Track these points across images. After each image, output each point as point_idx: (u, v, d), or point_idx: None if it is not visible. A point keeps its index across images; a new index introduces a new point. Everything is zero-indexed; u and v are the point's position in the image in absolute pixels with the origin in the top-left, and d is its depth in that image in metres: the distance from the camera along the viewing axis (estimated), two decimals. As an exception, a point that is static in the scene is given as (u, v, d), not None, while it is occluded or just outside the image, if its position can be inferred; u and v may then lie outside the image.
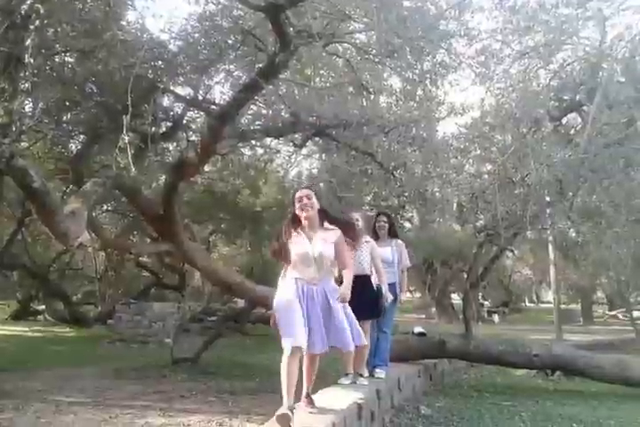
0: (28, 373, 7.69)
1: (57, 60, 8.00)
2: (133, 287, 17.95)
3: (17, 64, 6.21)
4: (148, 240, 14.18)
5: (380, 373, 5.71)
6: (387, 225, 6.10)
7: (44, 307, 17.74)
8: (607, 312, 27.83)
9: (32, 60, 6.16)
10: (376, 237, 5.97)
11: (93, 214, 9.34)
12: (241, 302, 14.65)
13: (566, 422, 5.58)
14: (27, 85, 7.71)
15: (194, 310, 16.13)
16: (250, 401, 6.19)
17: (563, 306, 20.35)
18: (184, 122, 9.43)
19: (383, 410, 5.27)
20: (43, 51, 7.08)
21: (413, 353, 7.39)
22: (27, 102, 8.43)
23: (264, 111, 8.81)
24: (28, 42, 5.97)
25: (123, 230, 15.26)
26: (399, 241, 6.17)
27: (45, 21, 7.01)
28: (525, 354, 7.24)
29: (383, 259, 5.77)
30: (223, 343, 9.98)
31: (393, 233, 6.17)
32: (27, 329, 14.37)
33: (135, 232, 15.26)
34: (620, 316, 24.47)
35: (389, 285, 5.71)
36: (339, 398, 4.47)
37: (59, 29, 7.21)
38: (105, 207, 13.94)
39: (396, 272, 5.93)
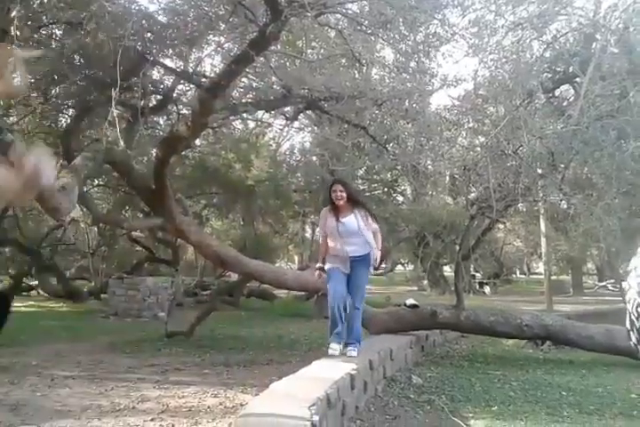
0: (23, 348, 7.74)
1: (44, 32, 7.86)
2: (126, 262, 17.97)
3: (3, 36, 6.10)
4: (141, 215, 14.16)
5: (352, 351, 5.30)
6: (344, 194, 5.47)
7: (37, 282, 17.76)
8: (597, 283, 28.15)
9: (18, 33, 6.05)
10: (335, 206, 5.53)
11: (84, 189, 9.30)
12: (234, 276, 14.73)
13: (555, 390, 5.69)
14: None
15: (187, 285, 16.20)
16: (244, 373, 6.28)
17: (553, 277, 20.57)
18: (174, 95, 9.33)
19: (375, 380, 5.36)
20: (29, 23, 6.96)
21: (405, 325, 7.47)
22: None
23: (255, 84, 8.72)
24: (14, 13, 5.86)
25: (114, 205, 15.21)
26: (359, 206, 5.65)
27: (31, -8, 6.88)
28: (516, 324, 7.33)
29: (349, 230, 5.43)
30: (217, 317, 10.06)
31: (354, 201, 5.61)
32: (20, 304, 14.38)
33: (127, 207, 15.22)
34: (610, 286, 24.76)
35: (361, 256, 5.45)
36: (332, 368, 4.53)
37: (45, 1, 7.06)
38: (96, 182, 13.87)
39: (367, 241, 5.48)
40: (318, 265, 5.68)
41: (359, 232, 5.45)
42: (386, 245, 8.20)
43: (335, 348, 5.24)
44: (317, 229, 5.37)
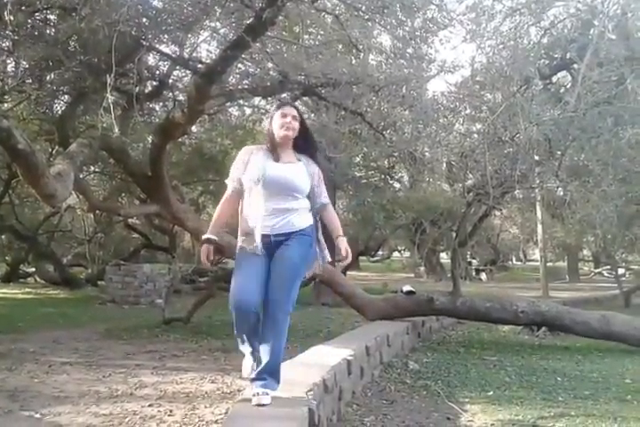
0: (20, 334, 7.75)
1: (38, 17, 7.78)
2: (123, 249, 17.98)
3: (-3, 21, 6.05)
4: (137, 202, 14.14)
5: (263, 393, 3.10)
6: (297, 125, 3.32)
7: (34, 269, 17.77)
8: (593, 270, 28.29)
9: (12, 18, 5.99)
10: (273, 144, 3.33)
11: (80, 176, 9.27)
12: (231, 263, 14.74)
13: (550, 375, 5.74)
14: (8, 44, 7.52)
15: (184, 271, 16.21)
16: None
17: (549, 264, 20.67)
18: (170, 81, 9.26)
19: (372, 366, 5.39)
20: (23, 8, 6.88)
21: (402, 311, 7.51)
22: (9, 62, 8.26)
23: (252, 70, 8.66)
24: (7, -2, 5.79)
25: (111, 192, 15.18)
26: (310, 159, 3.42)
27: (24, -23, 6.79)
28: (512, 311, 7.37)
29: (286, 184, 3.24)
30: (214, 304, 10.07)
31: (307, 143, 3.44)
32: (17, 291, 14.42)
33: (123, 194, 15.19)
34: (605, 273, 24.88)
35: (293, 233, 3.25)
36: (329, 354, 4.56)
37: (38, -15, 6.99)
38: (92, 169, 13.82)
39: (310, 211, 3.36)
40: (205, 236, 3.51)
41: (304, 193, 3.30)
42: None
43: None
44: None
